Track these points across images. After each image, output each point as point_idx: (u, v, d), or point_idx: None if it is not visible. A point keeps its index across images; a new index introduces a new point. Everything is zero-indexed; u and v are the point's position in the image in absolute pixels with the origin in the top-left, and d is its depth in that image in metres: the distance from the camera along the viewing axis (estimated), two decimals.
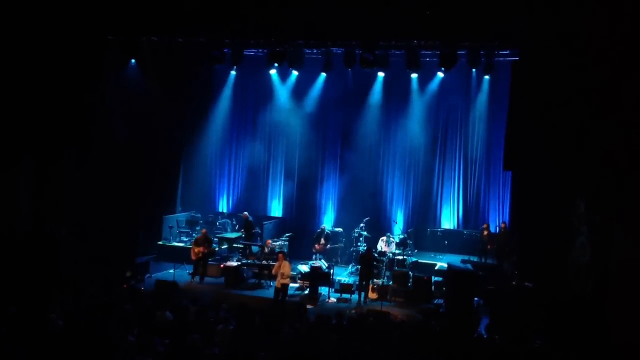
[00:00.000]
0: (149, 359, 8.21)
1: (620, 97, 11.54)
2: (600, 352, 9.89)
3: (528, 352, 9.68)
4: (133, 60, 17.06)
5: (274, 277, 14.27)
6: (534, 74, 13.33)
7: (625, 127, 11.46)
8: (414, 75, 17.63)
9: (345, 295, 14.89)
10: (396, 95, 18.57)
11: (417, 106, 18.44)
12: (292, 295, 14.58)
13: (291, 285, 14.48)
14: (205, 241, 16.10)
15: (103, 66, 16.11)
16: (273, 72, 18.64)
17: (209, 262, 16.62)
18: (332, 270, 15.47)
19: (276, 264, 14.06)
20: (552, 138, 12.90)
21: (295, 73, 18.42)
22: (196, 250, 15.99)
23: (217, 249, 17.41)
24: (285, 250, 15.85)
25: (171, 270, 16.49)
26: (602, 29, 11.75)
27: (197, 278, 15.96)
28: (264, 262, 15.57)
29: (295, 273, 15.40)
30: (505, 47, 15.20)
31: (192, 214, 19.47)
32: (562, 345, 10.63)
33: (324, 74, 18.18)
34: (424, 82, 18.07)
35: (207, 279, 16.07)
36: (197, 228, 17.29)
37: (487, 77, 17.14)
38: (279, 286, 13.74)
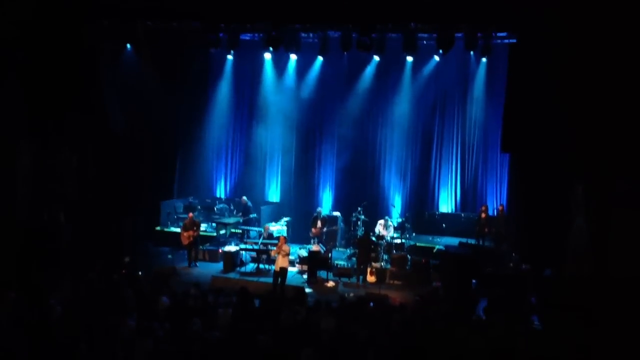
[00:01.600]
0: (149, 343, 8.25)
1: (619, 80, 11.53)
2: (596, 334, 9.94)
3: (525, 333, 9.75)
4: (129, 46, 16.97)
5: (273, 262, 14.31)
6: (532, 56, 13.30)
7: (624, 111, 11.47)
8: (410, 59, 17.55)
9: (344, 279, 14.96)
10: (393, 78, 18.45)
11: (414, 90, 18.33)
12: (291, 279, 14.61)
13: (290, 269, 14.53)
14: (193, 225, 16.11)
15: (99, 52, 16.02)
16: (268, 56, 18.57)
17: (209, 248, 16.68)
18: (330, 254, 15.53)
19: (276, 247, 14.09)
20: (550, 120, 12.90)
21: (292, 57, 18.33)
22: (186, 234, 16.00)
23: (215, 234, 17.43)
24: (284, 234, 15.87)
25: (170, 256, 16.57)
26: (599, 11, 11.71)
27: (194, 262, 16.01)
28: (263, 247, 15.60)
29: (293, 257, 15.44)
30: (503, 30, 15.13)
31: (190, 200, 19.45)
32: (559, 326, 10.70)
33: (320, 58, 18.08)
34: (420, 65, 17.96)
35: (206, 264, 16.13)
36: (195, 213, 17.30)
37: (484, 59, 17.06)
38: (278, 270, 13.78)
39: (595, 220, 12.20)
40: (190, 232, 15.94)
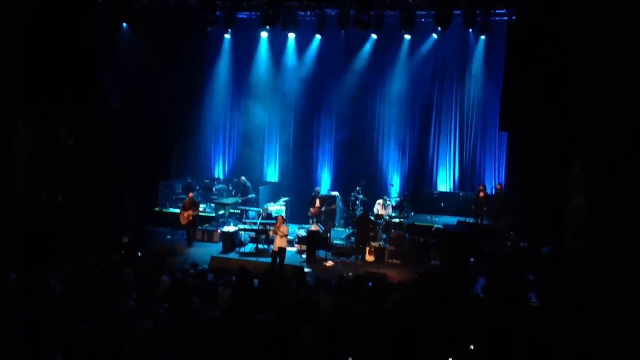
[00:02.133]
0: (149, 322, 8.29)
1: (619, 58, 11.44)
2: (594, 310, 10.01)
3: (523, 310, 9.81)
4: (125, 24, 16.82)
5: (271, 242, 14.34)
6: (531, 34, 13.18)
7: (623, 89, 11.40)
8: (408, 36, 17.42)
9: (342, 258, 15.01)
10: (391, 56, 18.33)
11: (412, 68, 18.24)
12: (290, 259, 14.64)
13: (289, 249, 14.56)
14: (192, 205, 16.11)
15: (94, 30, 15.85)
16: (265, 35, 18.44)
17: (208, 228, 16.69)
18: (329, 234, 15.55)
19: (274, 227, 14.11)
20: (549, 98, 12.83)
21: (289, 36, 18.21)
22: (185, 214, 16.01)
23: (213, 214, 17.44)
24: (283, 215, 15.90)
25: (168, 236, 16.59)
26: None
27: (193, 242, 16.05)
28: (261, 227, 15.62)
29: (292, 237, 15.47)
30: (502, 7, 15.02)
31: (188, 180, 19.42)
32: (557, 303, 10.76)
33: (318, 36, 17.96)
34: (419, 43, 17.83)
35: (205, 244, 16.17)
36: (194, 194, 17.29)
37: (483, 37, 16.96)
38: (277, 250, 13.82)
39: (593, 198, 12.20)
40: (190, 212, 15.94)
